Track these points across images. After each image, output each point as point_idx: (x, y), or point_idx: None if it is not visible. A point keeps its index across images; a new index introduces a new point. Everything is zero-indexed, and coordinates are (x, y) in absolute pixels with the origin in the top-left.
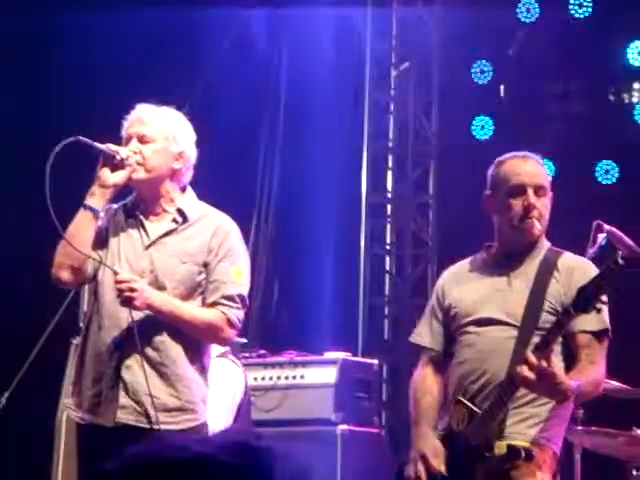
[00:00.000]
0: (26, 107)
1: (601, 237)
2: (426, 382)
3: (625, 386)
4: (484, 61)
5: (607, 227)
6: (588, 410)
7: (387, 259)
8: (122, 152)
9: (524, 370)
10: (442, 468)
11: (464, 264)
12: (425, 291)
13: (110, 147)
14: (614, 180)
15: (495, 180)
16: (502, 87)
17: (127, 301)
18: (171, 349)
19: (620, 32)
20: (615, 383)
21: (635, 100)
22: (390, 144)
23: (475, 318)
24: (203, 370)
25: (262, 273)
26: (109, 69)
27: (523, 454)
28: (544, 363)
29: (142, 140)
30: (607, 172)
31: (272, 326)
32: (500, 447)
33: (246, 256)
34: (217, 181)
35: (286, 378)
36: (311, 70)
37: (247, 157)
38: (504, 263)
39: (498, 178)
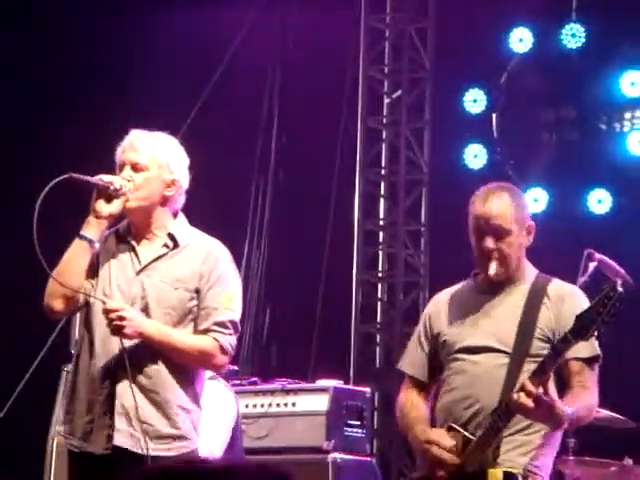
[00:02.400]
0: None
1: (592, 266)
2: (413, 402)
3: (617, 415)
4: (477, 89)
5: (598, 256)
6: (580, 440)
7: (379, 286)
8: (115, 182)
9: (521, 397)
10: (452, 442)
11: (452, 291)
12: (417, 319)
13: (103, 179)
14: (607, 209)
15: (469, 216)
16: (494, 115)
17: (117, 330)
18: (163, 376)
19: (612, 62)
20: (607, 412)
21: (627, 129)
22: (382, 172)
23: (465, 345)
24: (195, 397)
25: (254, 300)
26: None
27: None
28: (541, 390)
29: (135, 168)
30: (600, 201)
31: (263, 353)
32: (494, 474)
33: (238, 282)
34: (209, 206)
35: (277, 406)
36: (304, 96)
37: (239, 182)
38: (492, 290)
39: (469, 215)
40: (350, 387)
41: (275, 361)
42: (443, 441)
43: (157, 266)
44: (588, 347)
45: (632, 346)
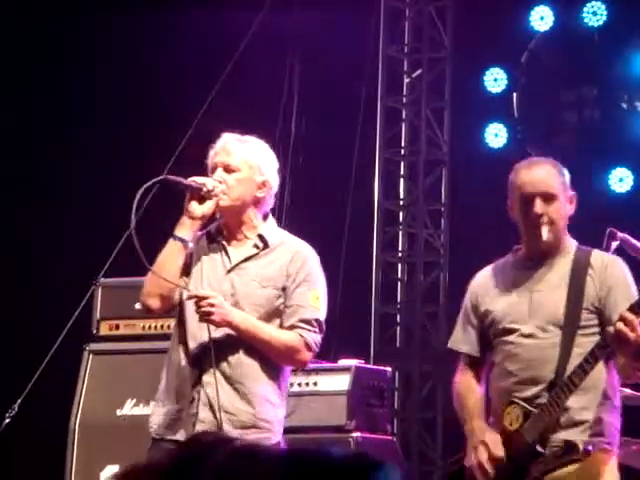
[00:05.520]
0: None
1: (614, 244)
2: (469, 385)
3: (638, 394)
4: (497, 68)
5: (620, 234)
6: None
7: (399, 266)
8: (208, 184)
9: (620, 325)
10: (502, 454)
11: (495, 268)
12: (437, 298)
13: (196, 181)
14: (628, 187)
15: (510, 188)
16: (515, 94)
17: (205, 315)
18: (249, 367)
19: (634, 40)
20: (628, 391)
21: None
22: (402, 151)
23: (513, 326)
24: (280, 391)
25: None
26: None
27: (581, 449)
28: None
29: (227, 169)
30: (621, 179)
31: None
32: (556, 441)
33: (324, 282)
34: None
35: (299, 385)
36: (324, 76)
37: None
38: (535, 265)
39: (512, 186)
40: (372, 366)
41: None
42: (495, 450)
43: (247, 265)
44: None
45: None
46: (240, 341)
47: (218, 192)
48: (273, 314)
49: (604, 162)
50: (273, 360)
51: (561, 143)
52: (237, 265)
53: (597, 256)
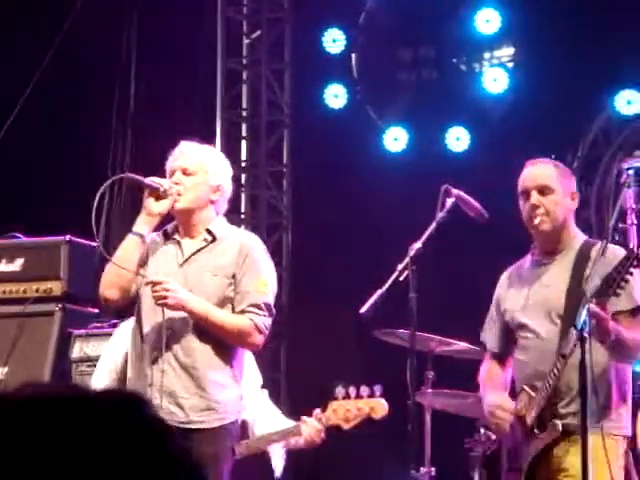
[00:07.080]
0: None
1: (449, 201)
2: (490, 370)
3: (473, 347)
4: (336, 29)
5: (455, 191)
6: (438, 372)
7: (242, 228)
8: (165, 184)
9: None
10: (506, 421)
11: (518, 265)
12: (280, 260)
13: (154, 180)
14: (465, 147)
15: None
16: (354, 55)
17: (160, 299)
18: (202, 353)
19: (470, 1)
20: (464, 344)
21: (485, 69)
22: (243, 113)
23: (523, 320)
24: (233, 373)
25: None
26: None
27: (560, 428)
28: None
29: (185, 173)
30: (458, 139)
31: None
32: (553, 426)
33: (271, 269)
34: (62, 157)
35: None
36: (163, 39)
37: (98, 128)
38: (544, 262)
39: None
40: None
41: None
42: (506, 403)
43: (198, 257)
44: (626, 300)
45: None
46: (194, 328)
47: (173, 192)
48: (225, 301)
49: (441, 122)
50: (227, 343)
51: (399, 103)
52: (189, 257)
53: (597, 247)
